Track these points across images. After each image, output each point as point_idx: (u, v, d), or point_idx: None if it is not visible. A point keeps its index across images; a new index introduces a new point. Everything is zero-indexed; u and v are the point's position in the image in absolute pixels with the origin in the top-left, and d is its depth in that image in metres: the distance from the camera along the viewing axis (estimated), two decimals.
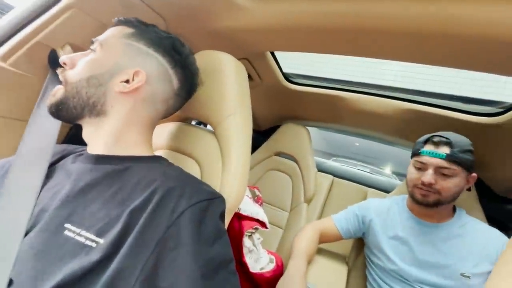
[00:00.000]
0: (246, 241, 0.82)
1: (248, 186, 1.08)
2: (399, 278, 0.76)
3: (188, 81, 0.48)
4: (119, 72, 0.40)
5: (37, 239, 0.34)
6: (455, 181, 0.71)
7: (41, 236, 0.34)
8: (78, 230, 0.33)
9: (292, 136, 1.35)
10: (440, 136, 0.74)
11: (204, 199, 0.36)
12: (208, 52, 0.62)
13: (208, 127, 0.83)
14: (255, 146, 1.43)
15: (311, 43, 0.75)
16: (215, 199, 0.38)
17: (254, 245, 0.85)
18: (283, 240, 1.13)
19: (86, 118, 0.41)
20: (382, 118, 1.13)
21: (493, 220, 0.87)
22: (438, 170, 0.72)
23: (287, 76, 1.19)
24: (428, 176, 0.72)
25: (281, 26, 0.68)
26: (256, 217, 0.85)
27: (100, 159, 0.40)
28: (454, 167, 0.70)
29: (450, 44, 0.56)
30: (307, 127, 1.39)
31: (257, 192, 1.17)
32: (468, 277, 0.68)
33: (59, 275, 0.30)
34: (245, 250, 0.81)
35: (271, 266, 0.86)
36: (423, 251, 0.75)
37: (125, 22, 0.44)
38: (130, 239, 0.31)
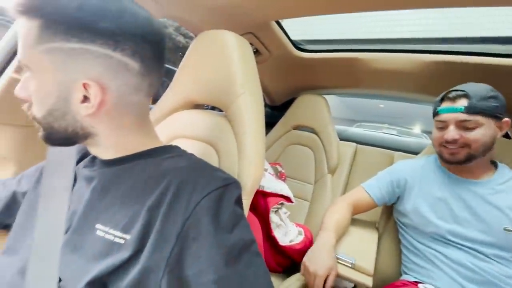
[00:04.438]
0: (273, 217, 0.84)
1: (270, 163, 1.08)
2: (437, 237, 0.74)
3: (148, 48, 0.37)
4: (68, 92, 0.34)
5: (73, 239, 0.37)
6: (481, 132, 0.67)
7: (76, 237, 0.37)
8: (106, 229, 0.35)
9: (309, 108, 1.31)
10: (455, 90, 0.71)
11: (218, 187, 0.36)
12: (209, 32, 0.59)
13: None
14: (272, 123, 1.41)
15: (318, 4, 0.69)
16: (229, 185, 0.38)
17: (281, 219, 0.86)
18: (310, 212, 1.14)
19: (80, 142, 0.39)
20: (403, 76, 1.04)
21: None
22: (460, 124, 0.69)
23: (296, 44, 1.12)
24: (450, 132, 0.69)
25: None
26: (281, 193, 0.86)
27: (110, 163, 0.41)
28: (476, 118, 0.67)
29: None
30: (324, 95, 1.33)
31: (280, 168, 1.17)
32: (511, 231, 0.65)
33: (95, 271, 0.32)
34: (273, 225, 0.83)
35: (300, 238, 0.88)
36: (461, 206, 0.72)
37: (25, 12, 0.32)
38: (152, 236, 0.33)
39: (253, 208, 0.86)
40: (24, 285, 0.35)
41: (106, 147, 0.41)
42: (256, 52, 1.04)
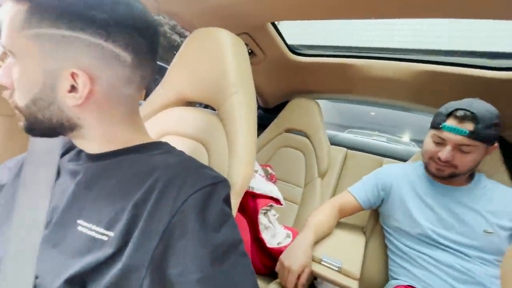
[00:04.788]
0: (262, 218, 0.83)
1: (260, 165, 1.08)
2: (423, 239, 0.75)
3: (141, 41, 0.35)
4: (55, 81, 0.33)
5: (54, 235, 0.35)
6: (473, 157, 0.69)
7: (56, 232, 0.35)
8: (89, 225, 0.34)
9: (301, 111, 1.32)
10: (465, 110, 0.67)
11: (206, 185, 0.35)
12: (203, 30, 0.59)
13: None
14: (264, 125, 1.41)
15: (314, 9, 0.70)
16: (218, 183, 0.37)
17: (270, 221, 0.86)
18: (299, 215, 1.15)
19: (64, 133, 0.38)
20: (394, 83, 1.06)
21: None
22: (457, 147, 0.69)
23: (292, 48, 1.13)
24: (446, 153, 0.69)
25: None
26: (270, 195, 0.86)
27: (97, 157, 0.40)
28: (475, 143, 0.66)
29: None
30: (317, 100, 1.34)
31: (270, 170, 1.17)
32: (491, 233, 0.69)
33: (75, 268, 0.31)
34: (261, 227, 0.82)
35: (288, 240, 0.87)
36: (445, 212, 0.75)
37: None
38: (136, 233, 0.32)
39: (242, 209, 0.85)
40: None
41: (92, 140, 0.39)
42: (251, 53, 1.04)
